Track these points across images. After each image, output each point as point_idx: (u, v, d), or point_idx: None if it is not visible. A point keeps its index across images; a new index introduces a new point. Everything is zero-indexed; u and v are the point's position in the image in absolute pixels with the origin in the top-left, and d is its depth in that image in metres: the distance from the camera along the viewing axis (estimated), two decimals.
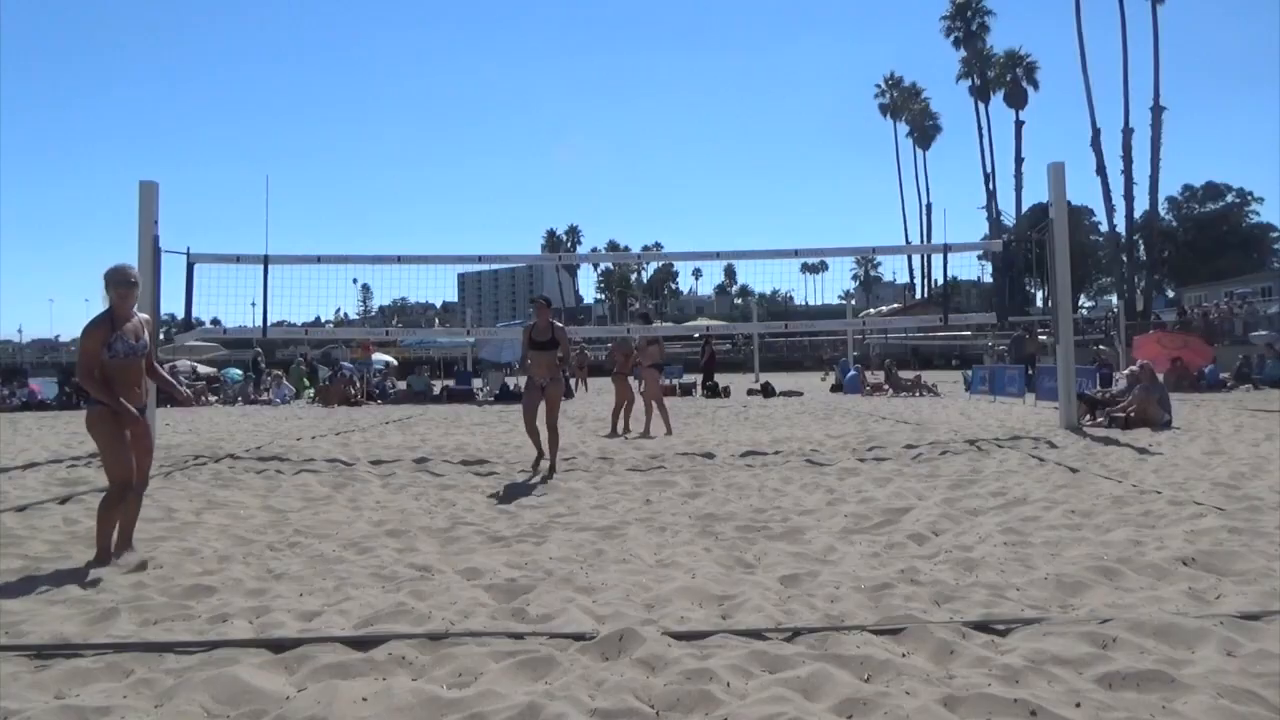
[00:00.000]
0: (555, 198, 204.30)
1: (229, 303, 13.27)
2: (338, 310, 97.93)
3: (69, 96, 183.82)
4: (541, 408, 8.23)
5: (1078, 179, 62.33)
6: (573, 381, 26.13)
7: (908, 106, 73.85)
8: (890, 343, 45.40)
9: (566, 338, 8.25)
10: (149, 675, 2.95)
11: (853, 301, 61.50)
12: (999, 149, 65.84)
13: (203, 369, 28.04)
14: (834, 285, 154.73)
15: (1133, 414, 11.17)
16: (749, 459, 8.94)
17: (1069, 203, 11.84)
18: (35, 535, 5.35)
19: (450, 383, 25.21)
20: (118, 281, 4.56)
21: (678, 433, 12.03)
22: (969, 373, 23.45)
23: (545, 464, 8.25)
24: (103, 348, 4.46)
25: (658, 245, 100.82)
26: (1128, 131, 49.86)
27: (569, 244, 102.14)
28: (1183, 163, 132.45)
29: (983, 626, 3.30)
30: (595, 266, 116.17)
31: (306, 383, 25.42)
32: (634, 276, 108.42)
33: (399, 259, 12.10)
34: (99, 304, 4.74)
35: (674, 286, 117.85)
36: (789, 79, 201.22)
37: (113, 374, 4.51)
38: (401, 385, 25.30)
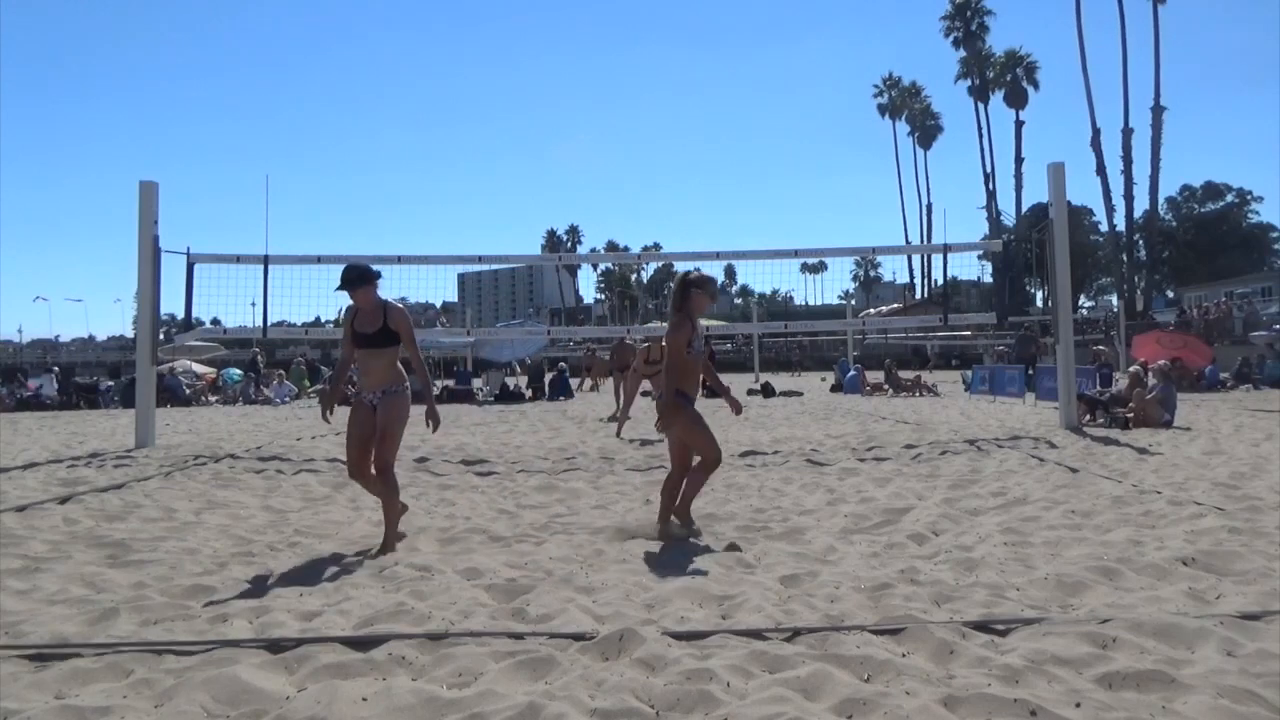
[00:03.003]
0: (555, 198, 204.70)
1: (229, 303, 13.21)
2: (338, 310, 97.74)
3: (69, 96, 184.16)
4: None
5: (1078, 179, 62.47)
6: (574, 381, 26.05)
7: (907, 106, 73.87)
8: (890, 343, 45.46)
9: (409, 327, 5.13)
10: (149, 675, 2.95)
11: (853, 301, 61.51)
12: (999, 149, 66.02)
13: (200, 368, 28.03)
14: (834, 285, 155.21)
15: (1132, 415, 11.18)
16: (749, 459, 8.93)
17: (1069, 203, 11.84)
18: (35, 535, 5.34)
19: (450, 383, 25.20)
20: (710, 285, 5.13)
21: None
22: (969, 373, 23.46)
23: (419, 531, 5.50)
24: (687, 346, 5.04)
25: (657, 245, 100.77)
26: (1128, 131, 49.93)
27: (569, 244, 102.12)
28: (1183, 163, 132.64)
29: (983, 626, 3.30)
30: (595, 266, 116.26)
31: (307, 383, 25.42)
32: (634, 276, 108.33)
33: (399, 259, 12.10)
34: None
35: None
36: (789, 79, 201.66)
37: (686, 370, 5.08)
38: None
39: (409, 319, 5.14)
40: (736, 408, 5.51)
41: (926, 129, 74.32)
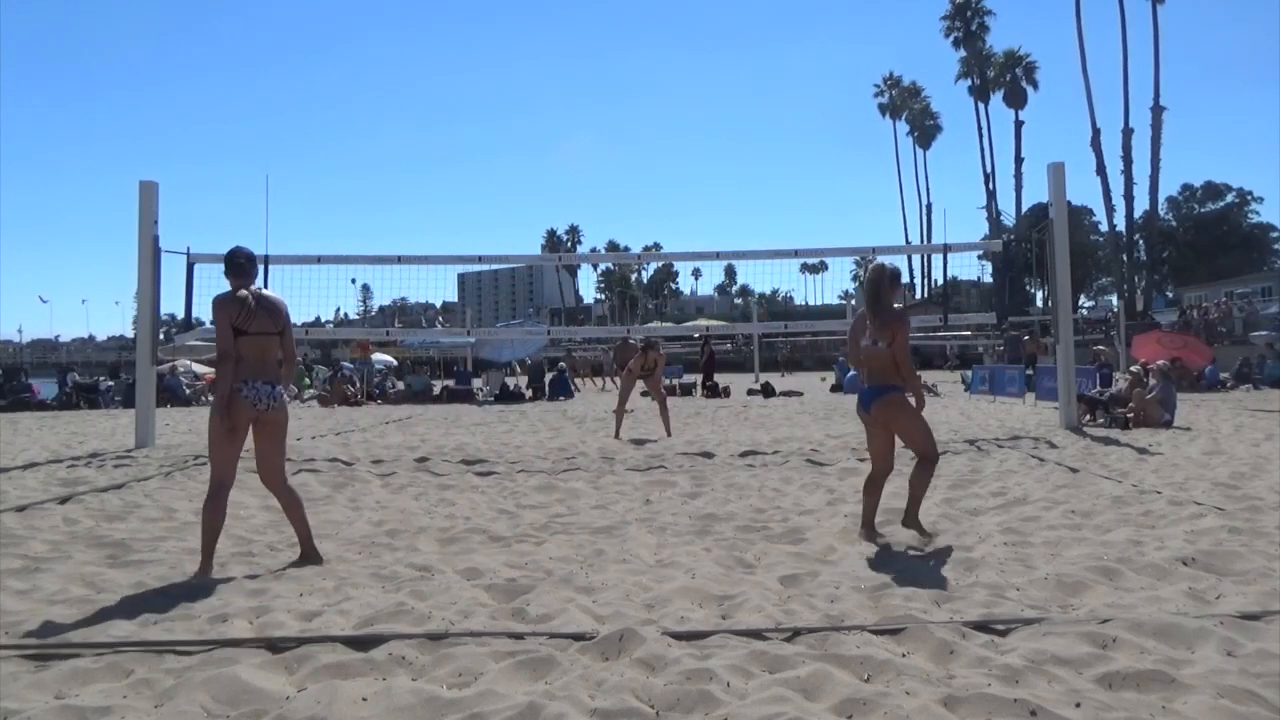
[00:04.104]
0: (555, 198, 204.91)
1: None
2: (337, 310, 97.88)
3: (69, 96, 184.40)
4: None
5: (1078, 179, 62.50)
6: (572, 382, 26.00)
7: (907, 106, 73.89)
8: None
9: (218, 316, 4.38)
10: (149, 675, 2.95)
11: (853, 302, 61.47)
12: (999, 149, 65.91)
13: (200, 368, 28.01)
14: (834, 285, 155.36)
15: (1132, 415, 11.18)
16: (749, 459, 8.93)
17: (1069, 203, 11.84)
18: (35, 535, 5.35)
19: (450, 383, 25.21)
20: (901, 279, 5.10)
21: (678, 433, 12.04)
22: (969, 373, 23.47)
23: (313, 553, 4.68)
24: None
25: (657, 245, 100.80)
26: (1128, 131, 49.85)
27: (569, 244, 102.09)
28: (1183, 163, 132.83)
29: (983, 626, 3.30)
30: (595, 266, 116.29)
31: (308, 382, 25.41)
32: (634, 276, 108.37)
33: (399, 259, 12.10)
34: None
35: (674, 286, 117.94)
36: (789, 79, 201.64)
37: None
38: (401, 385, 25.30)
39: (220, 309, 4.37)
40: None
41: (926, 129, 74.34)
